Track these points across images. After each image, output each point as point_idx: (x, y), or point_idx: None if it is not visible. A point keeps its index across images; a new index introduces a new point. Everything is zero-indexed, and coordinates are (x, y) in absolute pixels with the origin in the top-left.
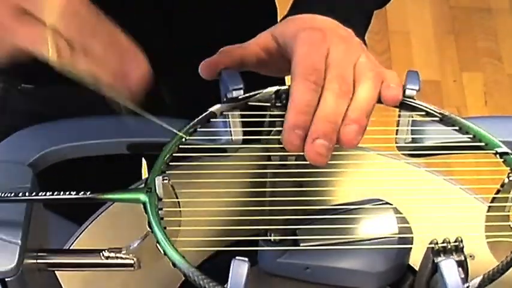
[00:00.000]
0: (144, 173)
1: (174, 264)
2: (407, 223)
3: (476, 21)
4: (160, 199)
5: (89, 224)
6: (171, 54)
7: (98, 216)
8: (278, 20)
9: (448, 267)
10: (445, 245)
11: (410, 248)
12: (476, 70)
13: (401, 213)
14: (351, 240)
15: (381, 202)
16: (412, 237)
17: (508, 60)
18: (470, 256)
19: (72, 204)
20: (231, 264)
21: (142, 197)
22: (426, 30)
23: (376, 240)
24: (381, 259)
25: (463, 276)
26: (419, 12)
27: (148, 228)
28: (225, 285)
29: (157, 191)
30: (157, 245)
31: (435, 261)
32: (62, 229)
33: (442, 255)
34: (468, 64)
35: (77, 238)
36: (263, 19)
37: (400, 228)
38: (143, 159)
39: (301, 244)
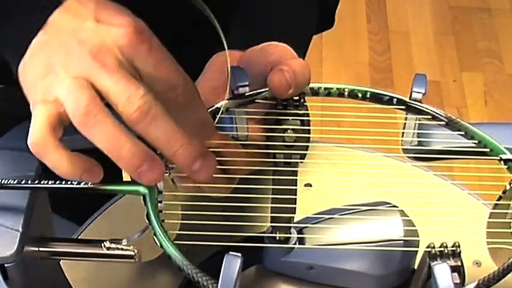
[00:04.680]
0: (125, 173)
1: (169, 257)
2: (414, 226)
3: (476, 21)
4: (160, 192)
5: (93, 220)
6: None
7: (102, 212)
8: None
9: (442, 271)
10: (441, 249)
11: (416, 251)
12: (476, 70)
13: (407, 216)
14: (357, 241)
15: (388, 205)
16: (418, 241)
17: (508, 60)
18: (476, 263)
19: (73, 204)
20: (224, 259)
21: (142, 189)
22: (426, 30)
23: (381, 243)
24: (386, 262)
25: (457, 281)
26: (419, 12)
27: (147, 221)
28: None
29: (157, 184)
30: (154, 237)
31: (430, 265)
32: (62, 229)
33: (438, 259)
34: (468, 64)
35: (80, 233)
36: None
37: (406, 232)
38: None
39: (307, 243)
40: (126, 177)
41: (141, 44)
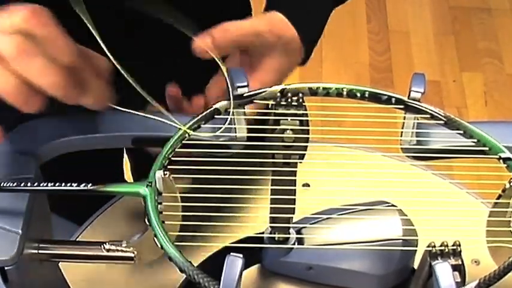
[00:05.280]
0: (126, 172)
1: (170, 258)
2: (413, 226)
3: (476, 21)
4: (160, 193)
5: (93, 221)
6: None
7: (102, 213)
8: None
9: (443, 270)
10: (442, 248)
11: (415, 250)
12: (476, 70)
13: (406, 215)
14: (356, 241)
15: (386, 204)
16: (417, 240)
17: (508, 60)
18: (475, 262)
19: (72, 204)
20: (225, 260)
21: (142, 190)
22: (426, 30)
23: (380, 242)
24: (385, 261)
25: (458, 280)
26: (419, 12)
27: (147, 222)
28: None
29: (157, 185)
30: (155, 238)
31: (432, 264)
32: (62, 229)
33: (439, 258)
34: (468, 64)
35: (80, 234)
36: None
37: (405, 231)
38: (125, 158)
39: (306, 243)
40: (127, 178)
41: (33, 18)
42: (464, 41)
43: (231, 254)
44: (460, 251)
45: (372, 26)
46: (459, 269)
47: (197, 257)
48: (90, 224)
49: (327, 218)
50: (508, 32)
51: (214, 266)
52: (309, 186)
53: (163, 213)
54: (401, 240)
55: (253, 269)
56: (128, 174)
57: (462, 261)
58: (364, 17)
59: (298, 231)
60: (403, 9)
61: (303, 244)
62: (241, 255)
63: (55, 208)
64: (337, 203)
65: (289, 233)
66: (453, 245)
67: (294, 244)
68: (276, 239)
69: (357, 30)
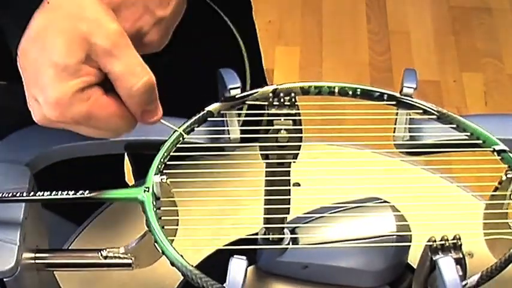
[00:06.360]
0: (128, 175)
1: (172, 263)
2: (406, 221)
3: (476, 21)
4: (158, 198)
5: (88, 224)
6: None
7: (97, 215)
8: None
9: (446, 264)
10: (443, 242)
11: (409, 246)
12: (476, 70)
13: (399, 211)
14: (350, 238)
15: (379, 200)
16: (411, 236)
17: (508, 60)
18: (469, 254)
19: (71, 204)
20: (229, 263)
21: (140, 196)
22: (426, 30)
23: (374, 239)
24: (379, 257)
25: (461, 273)
26: (419, 12)
27: (147, 228)
28: (224, 284)
29: (155, 190)
30: (156, 244)
31: (433, 258)
32: (61, 229)
33: (440, 252)
34: (468, 64)
35: (76, 238)
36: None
37: (398, 227)
38: (126, 162)
39: (300, 243)
40: (128, 180)
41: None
42: (464, 41)
43: (235, 256)
44: (461, 245)
45: (372, 26)
46: (460, 262)
47: (192, 259)
48: (86, 226)
49: (320, 217)
50: (508, 32)
51: (210, 268)
52: (299, 185)
53: (162, 218)
54: (395, 236)
55: (249, 270)
56: (129, 177)
57: (463, 254)
58: (364, 17)
59: (292, 231)
60: (403, 9)
61: (297, 243)
62: (244, 257)
63: (53, 207)
64: (329, 201)
65: (283, 233)
66: (453, 239)
67: (288, 244)
68: (271, 239)
69: (357, 30)
